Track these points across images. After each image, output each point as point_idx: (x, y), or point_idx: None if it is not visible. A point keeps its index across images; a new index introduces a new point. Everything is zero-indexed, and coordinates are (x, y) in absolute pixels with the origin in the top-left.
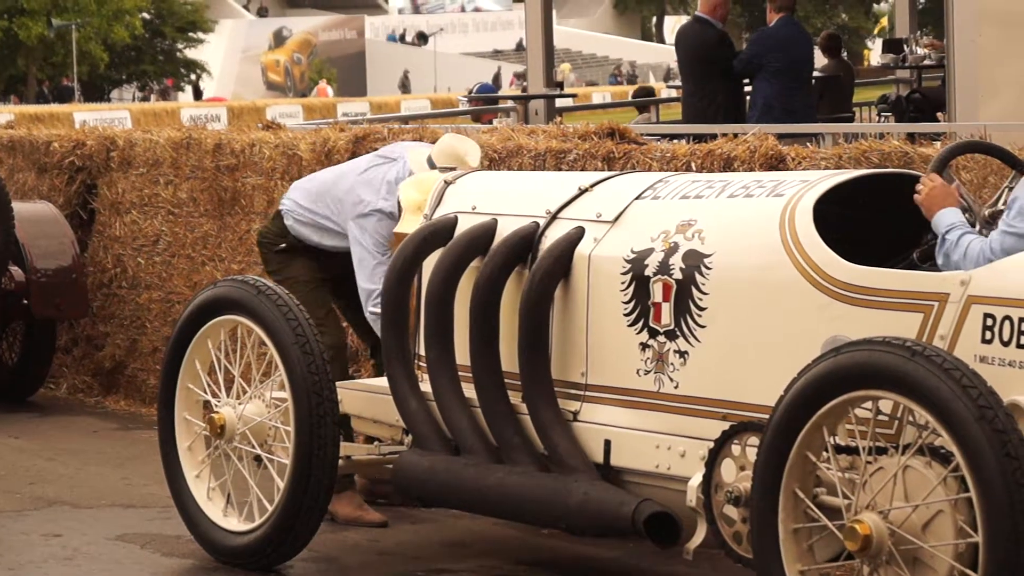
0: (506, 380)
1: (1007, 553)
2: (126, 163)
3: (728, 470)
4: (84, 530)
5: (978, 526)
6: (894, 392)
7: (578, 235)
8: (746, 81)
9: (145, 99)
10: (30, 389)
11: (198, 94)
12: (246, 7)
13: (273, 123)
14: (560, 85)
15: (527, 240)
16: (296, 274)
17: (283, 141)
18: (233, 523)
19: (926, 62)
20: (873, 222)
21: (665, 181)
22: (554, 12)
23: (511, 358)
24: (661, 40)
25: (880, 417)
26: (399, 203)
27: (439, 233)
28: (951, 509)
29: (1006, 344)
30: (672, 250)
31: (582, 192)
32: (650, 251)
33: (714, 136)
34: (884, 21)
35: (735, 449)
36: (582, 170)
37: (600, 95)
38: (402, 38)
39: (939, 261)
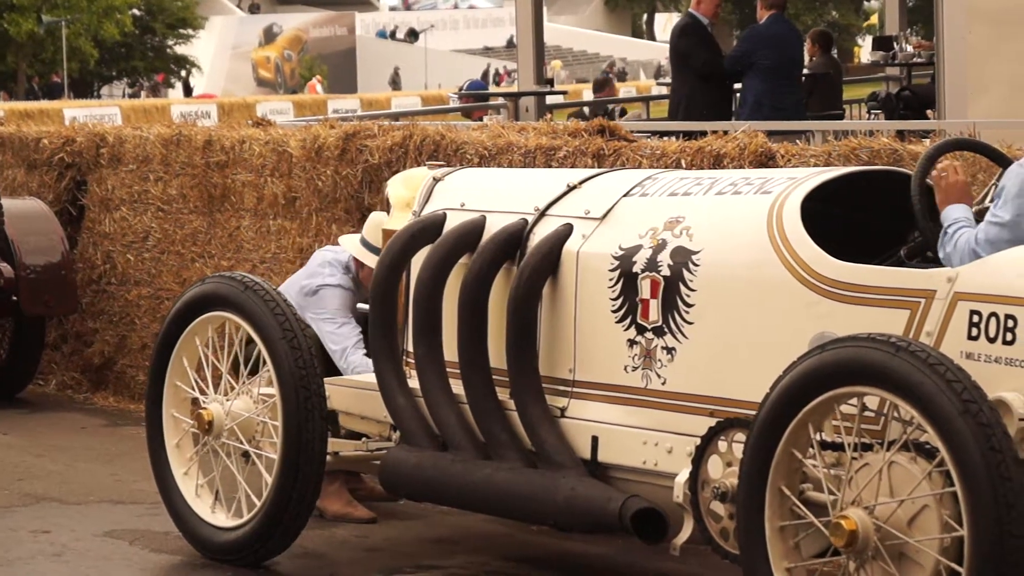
0: (494, 376)
1: (991, 546)
2: (116, 160)
3: (715, 466)
4: (73, 526)
5: (963, 520)
6: (879, 388)
7: (566, 232)
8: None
9: (135, 96)
10: (19, 385)
11: (188, 91)
12: (239, 5)
13: (263, 120)
14: (550, 82)
15: (515, 237)
16: None
17: (273, 138)
18: (221, 519)
19: (916, 60)
20: (861, 219)
21: (653, 178)
22: (544, 9)
23: (499, 354)
24: (652, 37)
25: (867, 413)
26: (387, 200)
27: (428, 230)
28: (936, 504)
29: (992, 341)
30: (660, 247)
31: (570, 189)
32: (638, 248)
33: (704, 133)
34: (874, 18)
35: (721, 445)
36: (572, 167)
37: (590, 92)
38: (393, 35)
39: (940, 254)
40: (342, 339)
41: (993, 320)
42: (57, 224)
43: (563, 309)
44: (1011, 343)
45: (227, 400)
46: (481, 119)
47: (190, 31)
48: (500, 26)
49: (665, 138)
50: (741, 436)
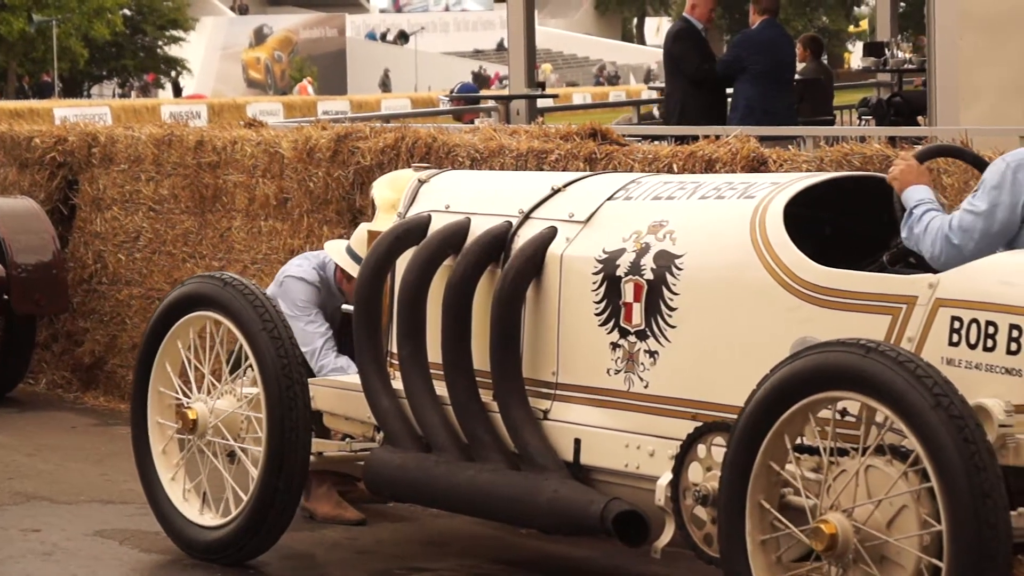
0: (477, 378)
1: (969, 537)
2: (107, 159)
3: (695, 471)
4: (63, 526)
5: (941, 514)
6: (852, 391)
7: (550, 235)
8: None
9: (125, 95)
10: (9, 384)
11: (178, 91)
12: (231, 7)
13: (255, 121)
14: (542, 85)
15: (500, 239)
16: None
17: (265, 139)
18: (207, 519)
19: (907, 66)
20: (845, 225)
21: (637, 182)
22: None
23: (483, 356)
24: (642, 41)
25: (847, 418)
26: (373, 201)
27: (412, 231)
28: (914, 503)
29: (973, 347)
30: (643, 250)
31: (555, 192)
32: (622, 251)
33: (695, 137)
34: (864, 24)
35: (701, 450)
36: (564, 171)
37: (580, 96)
38: (383, 37)
39: (903, 235)
40: (310, 338)
41: (974, 326)
42: (48, 223)
43: (547, 312)
44: (991, 349)
45: (211, 399)
46: (472, 122)
47: (180, 33)
48: (491, 29)
49: (657, 142)
50: (721, 440)
